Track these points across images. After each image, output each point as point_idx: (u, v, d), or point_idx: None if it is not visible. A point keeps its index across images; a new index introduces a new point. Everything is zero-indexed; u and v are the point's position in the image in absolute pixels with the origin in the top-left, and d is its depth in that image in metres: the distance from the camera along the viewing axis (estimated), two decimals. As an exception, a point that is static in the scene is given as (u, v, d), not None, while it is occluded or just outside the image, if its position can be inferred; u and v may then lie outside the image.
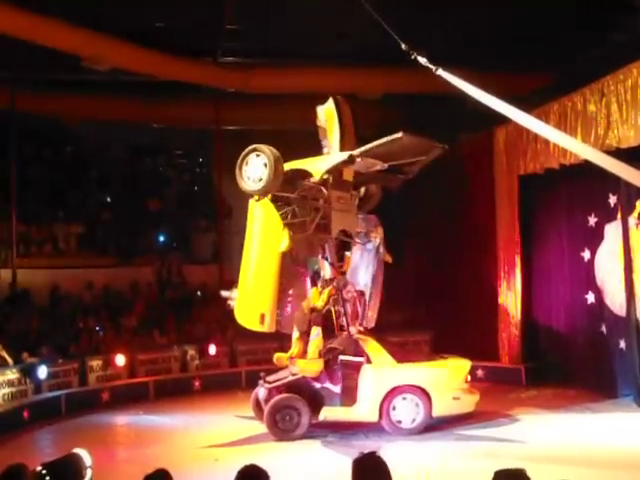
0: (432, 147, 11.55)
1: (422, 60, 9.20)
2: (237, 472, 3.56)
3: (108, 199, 20.79)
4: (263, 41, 15.71)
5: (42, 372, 13.54)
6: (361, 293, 12.18)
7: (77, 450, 3.95)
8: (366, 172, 11.78)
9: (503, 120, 10.81)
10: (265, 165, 10.89)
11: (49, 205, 19.03)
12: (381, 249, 12.55)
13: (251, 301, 11.19)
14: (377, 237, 12.54)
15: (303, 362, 11.09)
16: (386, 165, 11.56)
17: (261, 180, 10.94)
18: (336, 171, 11.45)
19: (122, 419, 13.37)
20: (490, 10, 13.58)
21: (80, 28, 14.26)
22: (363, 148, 11.05)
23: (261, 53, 16.48)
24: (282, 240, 10.87)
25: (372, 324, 12.47)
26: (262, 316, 11.02)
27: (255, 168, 11.00)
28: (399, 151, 11.19)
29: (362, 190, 12.69)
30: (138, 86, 17.50)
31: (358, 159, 11.14)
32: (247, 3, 13.81)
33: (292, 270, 11.77)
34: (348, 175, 11.76)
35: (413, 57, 9.29)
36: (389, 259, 12.61)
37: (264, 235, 11.20)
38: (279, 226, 11.00)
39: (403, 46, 9.35)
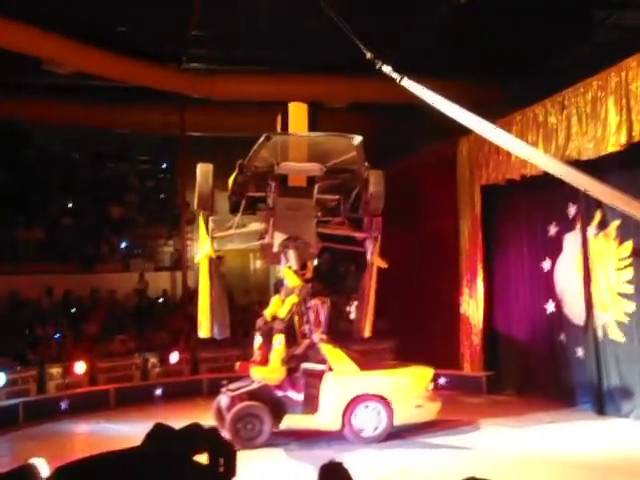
0: (345, 139, 10.95)
1: (387, 69, 9.28)
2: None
3: (69, 205, 20.51)
4: (229, 48, 15.66)
5: (-1, 379, 13.33)
6: (323, 301, 12.18)
7: (34, 460, 3.88)
8: (323, 176, 11.71)
9: (466, 130, 10.92)
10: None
11: (9, 210, 18.71)
12: (368, 255, 12.41)
13: (198, 308, 11.68)
14: (371, 242, 12.41)
15: (266, 370, 11.06)
16: (319, 167, 11.42)
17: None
18: (276, 179, 11.60)
19: (82, 428, 13.19)
20: (454, 21, 13.72)
21: (42, 30, 14.05)
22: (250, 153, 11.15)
23: (226, 60, 16.44)
24: (204, 247, 11.57)
25: (365, 333, 12.41)
26: (200, 322, 11.55)
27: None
28: (315, 150, 11.19)
29: (353, 194, 12.37)
30: (101, 91, 17.31)
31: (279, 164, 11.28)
32: (213, 10, 13.77)
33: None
34: (296, 181, 11.80)
35: (378, 66, 9.36)
36: (383, 264, 12.46)
37: (200, 244, 12.03)
38: (204, 235, 11.66)
39: (368, 55, 9.42)
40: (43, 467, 3.85)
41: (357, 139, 10.69)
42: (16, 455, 10.70)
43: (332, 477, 3.58)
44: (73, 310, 17.55)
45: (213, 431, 3.52)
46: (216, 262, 11.90)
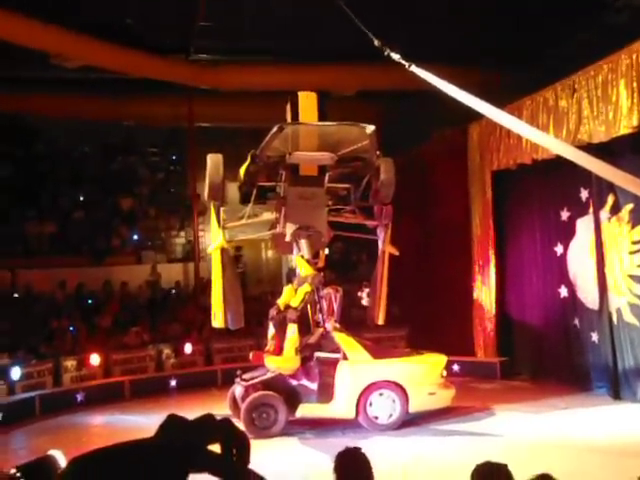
0: (358, 128, 10.98)
1: (395, 56, 9.21)
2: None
3: (80, 198, 20.57)
4: (235, 38, 15.63)
5: (15, 373, 13.42)
6: (336, 289, 12.18)
7: (52, 452, 3.90)
8: (335, 165, 11.71)
9: (476, 116, 10.86)
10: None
11: (20, 204, 18.79)
12: (380, 243, 12.43)
13: (212, 299, 11.71)
14: (382, 230, 12.43)
15: (280, 359, 11.08)
16: (330, 156, 11.41)
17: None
18: (287, 168, 11.60)
19: (98, 419, 13.27)
20: (462, 6, 13.65)
21: (49, 25, 14.07)
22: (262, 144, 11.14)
23: (233, 50, 16.41)
24: (216, 238, 11.60)
25: (379, 321, 12.43)
26: (214, 313, 11.58)
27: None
28: (327, 139, 11.20)
29: (363, 183, 12.36)
30: (109, 84, 17.33)
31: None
32: (219, 0, 13.74)
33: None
34: (308, 170, 11.78)
35: (386, 53, 9.29)
36: (394, 251, 12.48)
37: (212, 235, 12.05)
38: (216, 225, 11.68)
39: (376, 42, 9.36)
40: (61, 459, 3.87)
41: (370, 128, 10.70)
42: (34, 448, 10.76)
43: (350, 464, 3.58)
44: (89, 301, 17.66)
45: (226, 421, 3.52)
46: (229, 252, 11.92)
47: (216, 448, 3.40)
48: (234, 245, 13.11)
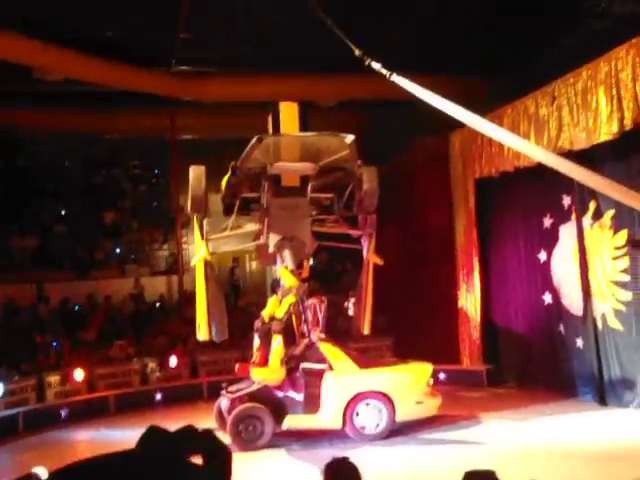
0: (337, 138, 11.03)
1: (376, 66, 9.26)
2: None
3: (63, 212, 20.45)
4: (217, 49, 15.62)
5: (-2, 390, 13.29)
6: (321, 300, 12.17)
7: (36, 469, 3.86)
8: (317, 175, 11.72)
9: (458, 124, 10.90)
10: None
11: (2, 219, 18.65)
12: (364, 252, 12.44)
13: (197, 311, 11.66)
14: (367, 239, 12.44)
15: (265, 371, 11.04)
16: (311, 166, 11.44)
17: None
18: (269, 179, 11.58)
19: (83, 435, 13.16)
20: (442, 15, 13.71)
21: (31, 39, 14.01)
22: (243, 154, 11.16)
23: (215, 62, 16.39)
24: (200, 250, 11.61)
25: (364, 331, 12.43)
26: (198, 325, 11.53)
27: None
28: (307, 150, 11.24)
29: (346, 192, 12.37)
30: (91, 97, 17.26)
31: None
32: (200, 12, 13.73)
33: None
34: (290, 180, 11.79)
35: (367, 63, 9.34)
36: (378, 261, 12.50)
37: (195, 247, 12.11)
38: (199, 237, 11.68)
39: (357, 52, 9.40)
40: (45, 476, 3.83)
41: (349, 138, 10.73)
42: (17, 465, 10.64)
43: (339, 474, 3.55)
44: (76, 308, 17.59)
45: (208, 433, 3.49)
46: (212, 265, 11.88)
47: (197, 460, 3.37)
48: (233, 256, 12.97)
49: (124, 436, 12.17)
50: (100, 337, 16.67)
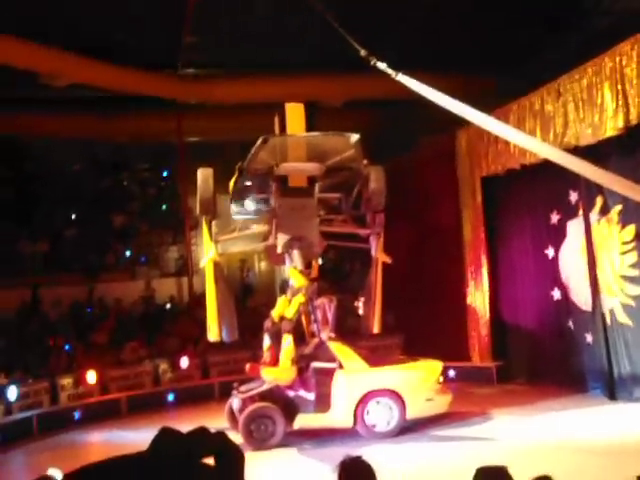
0: (342, 137, 11.14)
1: (381, 66, 9.29)
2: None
3: (72, 216, 20.57)
4: (223, 52, 15.70)
5: (12, 393, 13.38)
6: (330, 299, 12.21)
7: (51, 471, 3.91)
8: (323, 175, 11.77)
9: (464, 122, 10.92)
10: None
11: (13, 224, 18.77)
12: (372, 251, 12.49)
13: (207, 312, 11.77)
14: (375, 238, 12.48)
15: (276, 370, 11.10)
16: (318, 166, 11.50)
17: None
18: (277, 180, 11.68)
19: (96, 437, 13.26)
20: (448, 13, 13.74)
21: (37, 45, 14.12)
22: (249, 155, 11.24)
23: (221, 64, 16.48)
24: (209, 252, 11.71)
25: (374, 329, 12.48)
26: (209, 326, 11.65)
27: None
28: (314, 150, 11.31)
29: (354, 192, 12.44)
30: (98, 101, 17.37)
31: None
32: (206, 15, 13.81)
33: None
34: (297, 181, 11.84)
35: (372, 63, 9.37)
36: (387, 259, 12.55)
37: (204, 248, 12.16)
38: (208, 239, 11.77)
39: (362, 52, 9.43)
40: (60, 477, 3.89)
41: (354, 137, 10.78)
42: (32, 467, 10.75)
43: (353, 472, 3.56)
44: (89, 310, 17.78)
45: (220, 434, 3.53)
46: (221, 266, 11.96)
47: (210, 461, 3.41)
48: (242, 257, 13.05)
49: (137, 437, 12.25)
50: (112, 339, 16.77)
